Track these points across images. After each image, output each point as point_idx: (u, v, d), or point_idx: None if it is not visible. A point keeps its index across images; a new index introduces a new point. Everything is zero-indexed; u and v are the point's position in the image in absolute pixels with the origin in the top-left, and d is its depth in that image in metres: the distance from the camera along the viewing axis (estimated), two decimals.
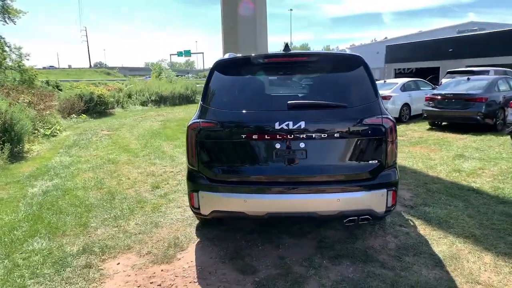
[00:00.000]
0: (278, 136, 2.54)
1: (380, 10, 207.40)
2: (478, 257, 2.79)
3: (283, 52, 2.81)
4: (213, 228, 3.39)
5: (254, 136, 2.56)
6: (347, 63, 2.80)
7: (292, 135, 2.53)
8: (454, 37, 26.53)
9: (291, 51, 2.77)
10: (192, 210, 2.84)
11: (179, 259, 2.87)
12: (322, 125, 2.52)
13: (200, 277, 2.56)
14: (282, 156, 2.57)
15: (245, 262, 2.77)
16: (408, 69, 28.12)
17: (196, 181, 2.74)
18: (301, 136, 2.51)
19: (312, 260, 2.76)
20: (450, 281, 2.47)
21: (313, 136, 2.51)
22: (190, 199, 2.77)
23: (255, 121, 2.57)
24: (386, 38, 53.67)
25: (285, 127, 2.50)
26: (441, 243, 3.05)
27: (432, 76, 22.64)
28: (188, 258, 2.87)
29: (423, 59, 26.14)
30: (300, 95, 2.78)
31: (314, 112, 2.54)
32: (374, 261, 2.74)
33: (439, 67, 24.22)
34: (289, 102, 2.59)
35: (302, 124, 2.50)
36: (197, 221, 3.52)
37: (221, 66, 2.92)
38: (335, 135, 2.54)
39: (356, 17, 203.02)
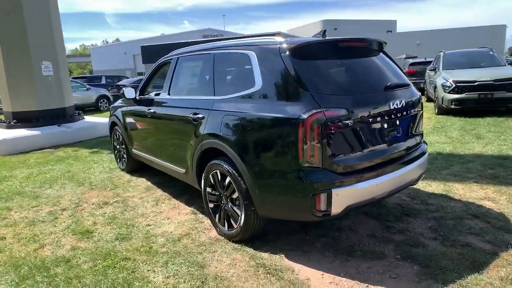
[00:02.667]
0: (392, 116, 2.64)
1: (102, 11, 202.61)
2: None
3: (358, 37, 2.85)
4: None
5: (378, 118, 2.53)
6: (383, 47, 3.16)
7: (398, 114, 2.69)
8: (202, 40, 30.71)
9: (357, 37, 2.85)
10: (315, 215, 2.38)
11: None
12: (409, 102, 2.85)
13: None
14: (390, 134, 2.68)
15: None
16: None
17: (323, 180, 2.34)
18: (400, 114, 2.73)
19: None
20: None
21: (405, 113, 2.79)
22: (315, 202, 2.32)
23: (374, 103, 2.51)
24: (118, 39, 53.61)
25: (395, 106, 2.64)
26: None
27: None
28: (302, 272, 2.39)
29: None
30: (381, 76, 2.88)
31: (403, 92, 2.82)
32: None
33: None
34: (390, 83, 2.73)
35: (403, 102, 2.73)
36: None
37: (300, 50, 2.58)
38: (414, 110, 2.94)
39: (78, 16, 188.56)
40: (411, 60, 15.75)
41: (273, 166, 2.52)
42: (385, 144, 2.65)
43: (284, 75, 2.53)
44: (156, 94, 4.58)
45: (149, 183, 4.71)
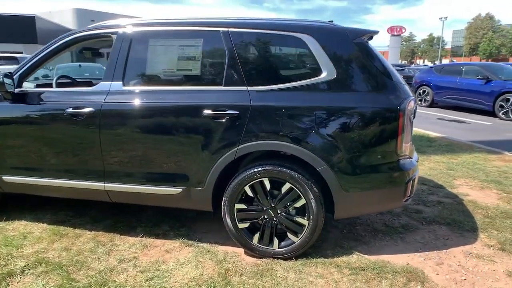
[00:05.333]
0: None
1: None
2: None
3: None
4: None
5: None
6: None
7: None
8: None
9: None
10: (405, 201, 2.37)
11: None
12: None
13: None
14: None
15: None
16: None
17: (411, 167, 2.38)
18: None
19: None
20: None
21: None
22: (406, 189, 2.35)
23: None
24: None
25: None
26: None
27: None
28: None
29: None
30: None
31: None
32: None
33: None
34: None
35: None
36: None
37: (367, 39, 2.43)
38: None
39: None
40: None
41: (368, 160, 2.35)
42: None
43: (364, 64, 2.38)
44: (56, 85, 2.96)
45: (60, 227, 2.96)
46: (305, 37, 2.42)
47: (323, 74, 2.38)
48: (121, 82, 2.58)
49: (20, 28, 26.51)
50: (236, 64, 2.45)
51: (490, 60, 55.33)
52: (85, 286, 2.21)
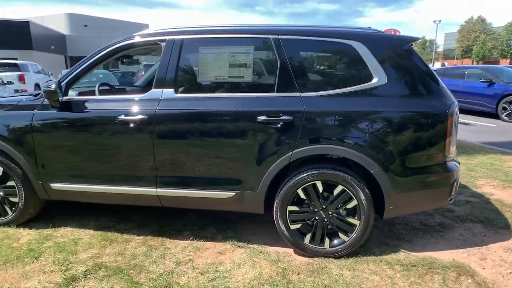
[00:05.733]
0: None
1: None
2: None
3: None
4: None
5: None
6: None
7: None
8: None
9: None
10: (449, 201, 2.51)
11: None
12: None
13: None
14: None
15: None
16: None
17: (456, 169, 2.53)
18: None
19: None
20: None
21: None
22: (452, 190, 2.49)
23: None
24: None
25: None
26: None
27: None
28: None
29: None
30: None
31: None
32: None
33: None
34: None
35: None
36: None
37: (412, 45, 2.56)
38: None
39: None
40: None
41: (417, 162, 2.47)
42: None
43: (413, 69, 2.50)
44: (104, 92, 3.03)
45: (107, 233, 3.01)
46: (355, 44, 2.54)
47: (374, 80, 2.50)
48: (172, 90, 2.67)
49: (14, 34, 26.20)
50: (287, 71, 2.56)
51: (482, 62, 56.47)
52: None
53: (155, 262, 2.59)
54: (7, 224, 3.08)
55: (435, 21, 51.25)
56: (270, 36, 2.62)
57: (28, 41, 26.86)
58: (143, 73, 12.03)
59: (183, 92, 2.70)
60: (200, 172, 2.67)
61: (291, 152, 2.49)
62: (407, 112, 2.46)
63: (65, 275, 2.42)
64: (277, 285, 2.30)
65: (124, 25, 43.93)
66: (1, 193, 3.06)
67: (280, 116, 2.49)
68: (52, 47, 30.28)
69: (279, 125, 2.49)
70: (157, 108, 2.64)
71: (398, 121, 2.45)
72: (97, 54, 2.86)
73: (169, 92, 2.67)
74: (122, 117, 2.66)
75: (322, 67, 2.70)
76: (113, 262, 2.59)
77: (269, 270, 2.47)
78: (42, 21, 35.93)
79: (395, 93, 2.50)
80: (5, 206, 3.08)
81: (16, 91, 10.94)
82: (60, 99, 2.73)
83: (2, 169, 2.97)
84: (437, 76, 2.60)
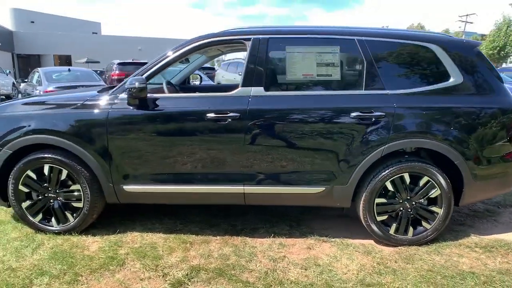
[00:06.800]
0: None
1: None
2: None
3: None
4: None
5: None
6: None
7: None
8: None
9: None
10: None
11: None
12: None
13: None
14: None
15: None
16: None
17: None
18: None
19: None
20: None
21: None
22: None
23: None
24: None
25: None
26: None
27: None
28: None
29: None
30: None
31: None
32: None
33: None
34: None
35: None
36: None
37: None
38: None
39: None
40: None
41: (492, 152, 2.70)
42: None
43: (483, 70, 2.73)
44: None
45: (180, 235, 2.89)
46: (433, 47, 2.72)
47: (452, 79, 2.69)
48: (262, 88, 2.65)
49: None
50: (374, 70, 2.67)
51: None
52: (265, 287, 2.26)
53: (250, 261, 2.56)
54: (68, 231, 2.85)
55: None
56: (355, 37, 2.72)
57: None
58: (117, 72, 11.46)
59: (273, 89, 2.69)
60: (290, 168, 2.68)
61: (383, 147, 2.60)
62: (482, 107, 2.68)
63: (169, 280, 2.31)
64: (384, 274, 2.40)
65: (74, 23, 41.36)
66: (62, 198, 2.82)
67: (372, 112, 2.59)
68: None
69: (371, 121, 2.59)
70: (248, 106, 2.61)
71: (476, 116, 2.67)
72: (179, 49, 2.76)
73: (258, 90, 2.65)
74: (212, 114, 2.60)
75: (404, 67, 2.83)
76: (208, 264, 2.51)
77: (367, 261, 2.56)
78: None
79: (470, 91, 2.72)
80: (66, 212, 2.84)
81: None
82: (147, 96, 2.60)
83: (66, 172, 2.74)
84: (500, 75, 2.87)
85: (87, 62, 24.16)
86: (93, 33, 41.77)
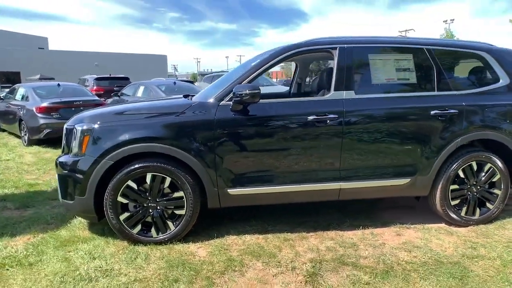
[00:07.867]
0: None
1: None
2: None
3: None
4: None
5: None
6: None
7: None
8: None
9: None
10: None
11: None
12: None
13: None
14: None
15: None
16: None
17: None
18: None
19: None
20: None
21: None
22: None
23: None
24: None
25: None
26: None
27: None
28: None
29: None
30: None
31: None
32: None
33: None
34: None
35: None
36: None
37: None
38: None
39: None
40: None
41: None
42: None
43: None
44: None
45: (283, 234, 3.03)
46: (484, 54, 3.22)
47: (501, 81, 3.21)
48: (352, 91, 2.95)
49: None
50: (442, 74, 3.11)
51: None
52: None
53: (357, 249, 2.78)
54: (170, 240, 2.85)
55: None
56: (424, 47, 3.14)
57: None
58: (94, 87, 11.09)
59: (361, 93, 2.99)
60: (381, 163, 2.99)
61: (458, 139, 3.01)
62: None
63: (301, 273, 2.46)
64: (477, 248, 2.76)
65: (18, 37, 38.60)
66: (163, 206, 2.83)
67: (447, 110, 3.00)
68: None
69: (448, 117, 3.00)
70: (344, 108, 2.88)
71: None
72: (272, 59, 2.97)
73: (350, 93, 2.94)
74: (313, 117, 2.83)
75: (465, 71, 3.32)
76: (323, 256, 2.68)
77: (455, 239, 2.92)
78: None
79: (510, 91, 3.23)
80: (166, 220, 2.85)
81: None
82: (256, 100, 2.75)
83: (170, 179, 2.77)
84: None
85: (40, 79, 22.79)
86: (39, 48, 39.31)
